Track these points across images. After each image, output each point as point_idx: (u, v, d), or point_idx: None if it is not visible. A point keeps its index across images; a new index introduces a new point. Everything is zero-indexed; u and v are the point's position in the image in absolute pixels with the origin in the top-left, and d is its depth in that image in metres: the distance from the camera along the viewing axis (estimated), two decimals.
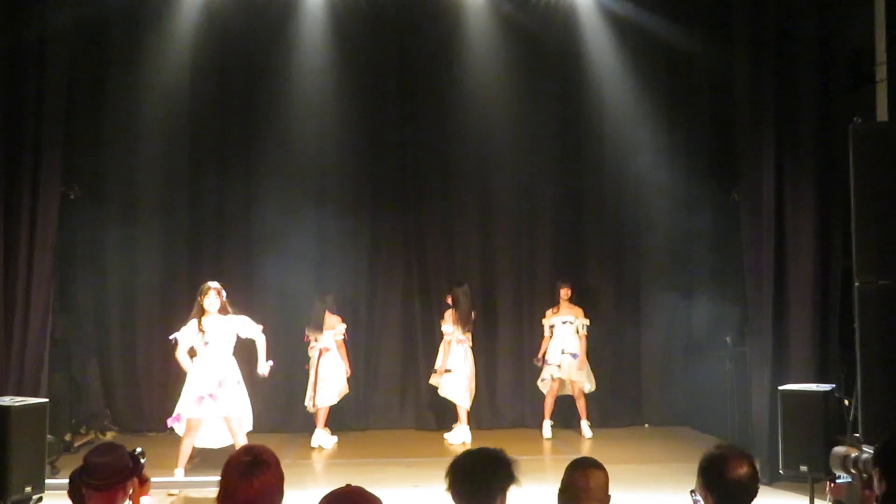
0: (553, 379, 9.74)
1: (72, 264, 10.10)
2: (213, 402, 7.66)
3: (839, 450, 3.95)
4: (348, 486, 2.86)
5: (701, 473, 3.21)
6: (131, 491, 3.69)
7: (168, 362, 9.75)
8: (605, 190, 10.71)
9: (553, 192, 10.66)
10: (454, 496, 3.25)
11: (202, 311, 7.81)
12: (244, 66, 10.33)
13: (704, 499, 3.21)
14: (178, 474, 7.61)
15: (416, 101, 10.56)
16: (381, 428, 10.19)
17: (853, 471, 3.81)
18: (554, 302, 9.91)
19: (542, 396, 10.07)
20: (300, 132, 10.22)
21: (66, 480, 3.67)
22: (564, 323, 9.74)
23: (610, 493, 3.56)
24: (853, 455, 3.83)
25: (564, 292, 9.82)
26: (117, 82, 10.08)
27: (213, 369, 7.74)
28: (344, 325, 9.48)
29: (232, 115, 10.45)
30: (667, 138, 10.34)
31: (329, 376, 9.31)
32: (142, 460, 3.69)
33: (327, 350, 9.32)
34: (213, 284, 7.92)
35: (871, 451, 3.74)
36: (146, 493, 3.71)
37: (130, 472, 3.64)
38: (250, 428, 7.87)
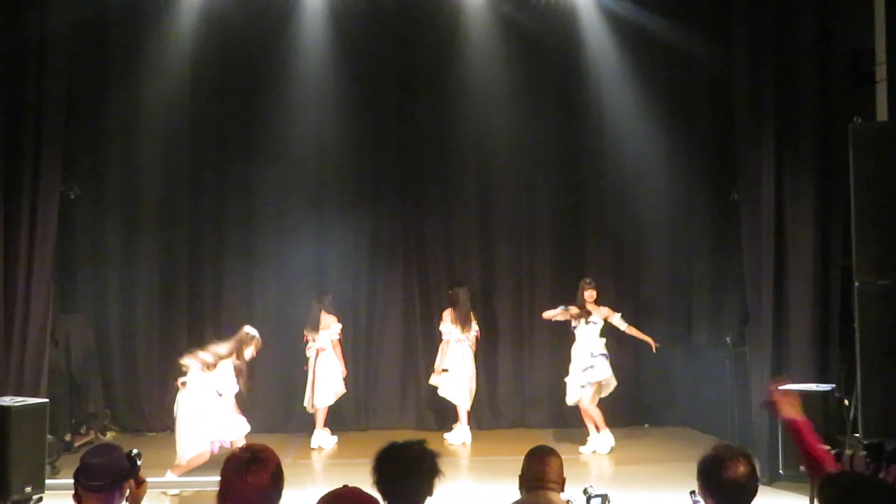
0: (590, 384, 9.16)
1: (72, 264, 10.10)
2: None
3: None
4: (345, 486, 2.87)
5: (699, 476, 3.22)
6: (128, 492, 3.68)
7: (168, 362, 9.79)
8: (604, 189, 10.70)
9: (553, 192, 10.66)
10: (381, 491, 3.24)
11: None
12: (244, 65, 10.33)
13: (705, 500, 3.21)
14: (170, 476, 7.57)
15: (415, 101, 10.55)
16: (381, 428, 10.17)
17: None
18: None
19: (541, 396, 10.07)
20: (300, 132, 10.21)
21: (69, 481, 3.67)
22: (588, 324, 9.23)
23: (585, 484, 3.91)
24: (835, 452, 3.85)
25: (589, 294, 9.25)
26: (117, 82, 10.08)
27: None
28: (340, 325, 9.45)
29: (232, 114, 10.45)
30: (667, 138, 10.33)
31: (325, 377, 9.30)
32: (138, 462, 3.68)
33: (323, 350, 9.31)
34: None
35: (863, 449, 3.77)
36: (143, 495, 3.71)
37: (127, 474, 3.63)
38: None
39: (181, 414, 7.74)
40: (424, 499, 3.28)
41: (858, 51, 8.14)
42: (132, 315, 10.30)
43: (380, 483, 3.25)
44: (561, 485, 3.88)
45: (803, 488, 6.21)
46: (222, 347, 7.93)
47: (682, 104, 10.54)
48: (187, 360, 7.82)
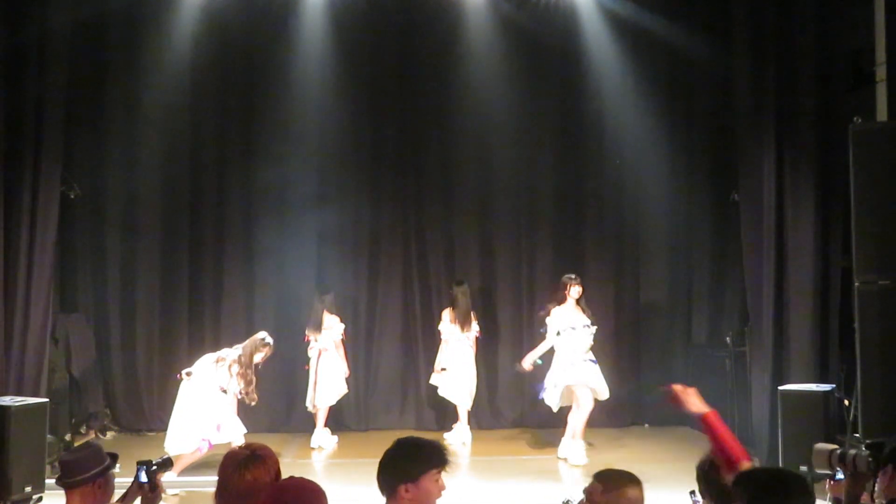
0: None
1: (72, 264, 10.09)
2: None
3: (822, 446, 3.97)
4: (291, 477, 2.87)
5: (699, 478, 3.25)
6: (139, 499, 3.67)
7: (168, 362, 9.80)
8: (605, 189, 10.70)
9: (553, 192, 10.65)
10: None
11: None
12: (244, 65, 10.32)
13: (703, 499, 3.23)
14: (169, 475, 7.57)
15: (415, 101, 10.54)
16: (381, 428, 10.17)
17: (839, 468, 3.83)
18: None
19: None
20: (301, 132, 10.21)
21: None
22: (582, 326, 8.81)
23: None
24: (839, 451, 3.84)
25: (577, 291, 8.89)
26: (117, 82, 10.07)
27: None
28: (342, 326, 9.44)
29: (232, 113, 10.44)
30: (666, 138, 10.32)
31: (327, 376, 9.30)
32: (153, 468, 3.66)
33: (325, 350, 9.31)
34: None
35: (865, 448, 3.77)
36: (157, 501, 3.70)
37: (102, 471, 3.62)
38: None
39: (179, 404, 7.79)
40: (394, 486, 3.14)
41: (858, 51, 8.15)
42: (132, 315, 10.29)
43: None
44: None
45: None
46: (236, 349, 8.03)
47: (682, 104, 10.54)
48: (205, 357, 7.96)
